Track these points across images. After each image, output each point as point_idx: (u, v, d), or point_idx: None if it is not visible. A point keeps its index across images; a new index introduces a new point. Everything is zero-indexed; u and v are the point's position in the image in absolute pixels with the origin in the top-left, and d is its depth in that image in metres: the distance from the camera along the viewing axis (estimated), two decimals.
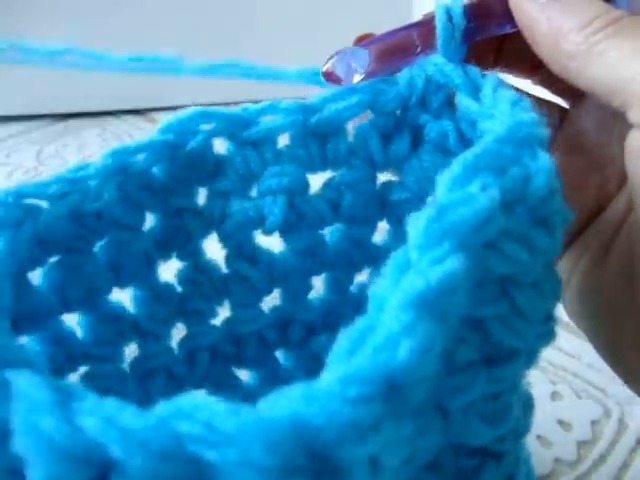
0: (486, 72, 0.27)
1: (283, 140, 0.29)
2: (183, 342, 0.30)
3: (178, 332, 0.30)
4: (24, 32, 0.72)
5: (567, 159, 0.30)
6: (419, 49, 0.27)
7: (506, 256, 0.21)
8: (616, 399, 0.41)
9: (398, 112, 0.29)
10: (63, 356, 0.26)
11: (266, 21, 0.78)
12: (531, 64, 0.31)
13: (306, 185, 0.29)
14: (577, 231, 0.30)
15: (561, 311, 0.46)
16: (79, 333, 0.27)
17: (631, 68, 0.23)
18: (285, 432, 0.14)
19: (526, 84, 0.32)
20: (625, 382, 0.29)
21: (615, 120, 0.29)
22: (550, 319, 0.24)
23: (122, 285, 0.28)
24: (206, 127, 0.28)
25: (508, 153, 0.22)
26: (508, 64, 0.31)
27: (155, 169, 0.27)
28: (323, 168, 0.29)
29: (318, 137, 0.28)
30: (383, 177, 0.31)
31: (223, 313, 0.31)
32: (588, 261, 0.29)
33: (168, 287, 0.29)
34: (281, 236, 0.30)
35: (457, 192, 0.20)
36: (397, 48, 0.27)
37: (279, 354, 0.32)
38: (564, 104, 0.32)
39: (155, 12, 0.75)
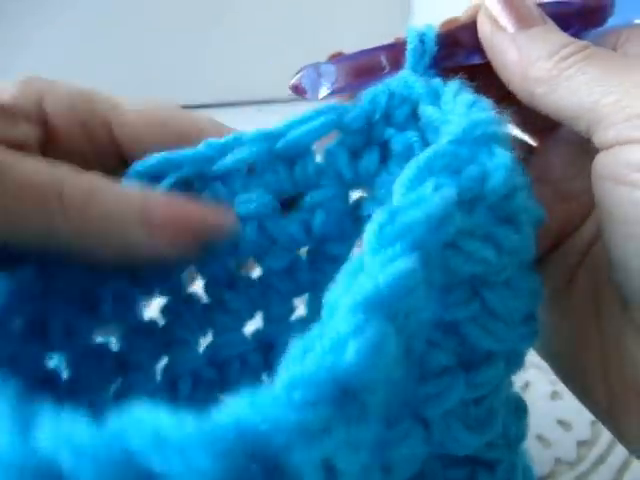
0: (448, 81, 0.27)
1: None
2: (165, 371, 0.30)
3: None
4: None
5: (534, 189, 0.31)
6: (387, 70, 0.28)
7: (469, 255, 0.21)
8: None
9: (365, 129, 0.29)
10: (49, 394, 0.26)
11: (265, 21, 0.78)
12: (499, 100, 0.31)
13: (276, 209, 0.29)
14: (539, 259, 0.30)
15: None
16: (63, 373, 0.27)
17: (595, 93, 0.24)
18: (230, 439, 0.14)
19: None
20: (588, 409, 0.28)
21: (581, 155, 0.30)
22: (531, 319, 0.24)
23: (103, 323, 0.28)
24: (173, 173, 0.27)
25: (464, 153, 0.22)
26: None
27: None
28: (293, 190, 0.29)
29: (285, 161, 0.29)
30: (355, 195, 0.31)
31: (206, 340, 0.31)
32: (551, 290, 0.29)
33: (151, 322, 0.29)
34: (255, 261, 0.30)
35: (409, 194, 0.20)
36: (365, 67, 0.28)
37: (265, 378, 0.32)
38: (531, 141, 0.33)
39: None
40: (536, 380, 0.43)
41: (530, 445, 0.38)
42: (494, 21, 0.28)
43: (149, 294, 0.28)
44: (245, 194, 0.28)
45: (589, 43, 0.26)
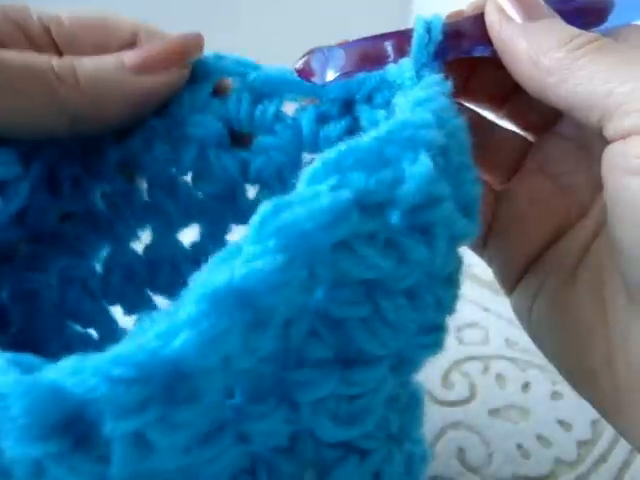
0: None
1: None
2: (104, 261, 0.33)
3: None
4: None
5: (534, 184, 0.31)
6: (392, 58, 0.28)
7: (361, 260, 0.20)
8: None
9: (342, 101, 0.29)
10: None
11: (264, 20, 0.78)
12: (498, 96, 0.32)
13: (225, 139, 0.30)
14: (537, 254, 0.31)
15: None
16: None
17: (610, 81, 0.24)
18: (43, 397, 0.16)
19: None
20: (593, 405, 0.28)
21: (580, 150, 0.30)
22: (435, 330, 0.24)
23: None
24: None
25: (385, 153, 0.21)
26: (475, 96, 0.32)
27: None
28: (248, 127, 0.30)
29: (252, 95, 0.29)
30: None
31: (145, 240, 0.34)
32: (554, 284, 0.29)
33: (97, 211, 0.32)
34: (192, 180, 0.31)
35: (303, 189, 0.20)
36: (372, 54, 0.28)
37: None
38: (529, 137, 0.32)
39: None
40: (536, 380, 0.42)
41: (530, 445, 0.38)
42: (502, 12, 0.27)
43: (98, 181, 0.31)
44: (198, 116, 0.30)
45: (599, 35, 0.26)
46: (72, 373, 0.16)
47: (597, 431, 0.40)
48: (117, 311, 0.34)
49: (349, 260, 0.20)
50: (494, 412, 0.41)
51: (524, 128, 0.33)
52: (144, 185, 0.32)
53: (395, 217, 0.21)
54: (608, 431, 0.39)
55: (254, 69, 0.29)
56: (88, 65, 0.27)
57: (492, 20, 0.28)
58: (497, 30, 0.27)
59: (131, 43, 0.30)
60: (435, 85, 0.25)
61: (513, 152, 0.32)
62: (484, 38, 0.28)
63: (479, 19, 0.28)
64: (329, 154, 0.21)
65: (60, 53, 0.29)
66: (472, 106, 0.32)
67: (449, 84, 0.26)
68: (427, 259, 0.22)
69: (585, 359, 0.28)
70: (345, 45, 0.29)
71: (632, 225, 0.23)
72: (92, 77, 0.27)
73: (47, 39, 0.29)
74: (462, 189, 0.23)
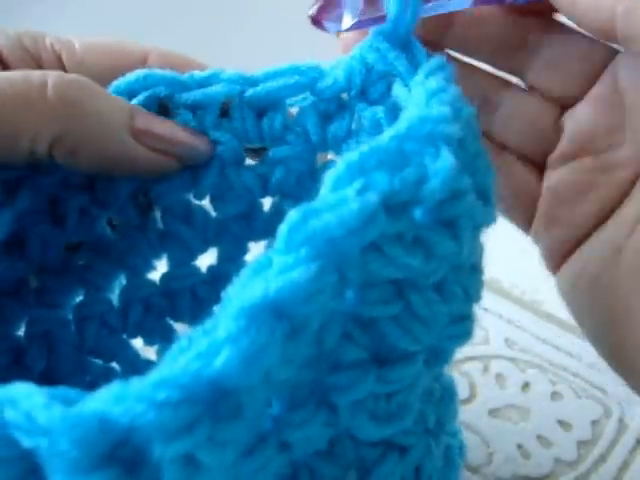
0: (433, 54, 0.26)
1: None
2: (120, 295, 0.32)
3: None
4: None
5: (576, 161, 0.29)
6: None
7: (391, 260, 0.20)
8: (616, 399, 0.41)
9: (337, 99, 0.29)
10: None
11: (261, 18, 0.77)
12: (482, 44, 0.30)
13: (240, 156, 0.30)
14: (583, 236, 0.30)
15: (559, 311, 0.46)
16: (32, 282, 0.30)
17: None
18: (90, 428, 0.16)
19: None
20: (628, 383, 0.28)
21: (617, 118, 0.28)
22: (463, 319, 0.24)
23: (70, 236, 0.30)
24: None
25: (406, 150, 0.21)
26: (457, 41, 0.30)
27: None
28: (259, 142, 0.30)
29: (254, 110, 0.29)
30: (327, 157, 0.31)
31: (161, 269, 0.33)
32: (599, 262, 0.29)
33: (109, 242, 0.31)
34: (211, 202, 0.31)
35: (330, 195, 0.20)
36: None
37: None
38: (517, 80, 0.30)
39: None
40: (536, 380, 0.43)
41: (530, 445, 0.38)
42: None
43: (106, 210, 0.30)
44: (215, 133, 0.29)
45: None
46: (116, 401, 0.16)
47: (597, 431, 0.39)
48: (137, 342, 0.34)
49: (379, 261, 0.20)
50: (494, 412, 0.41)
51: (552, 98, 0.30)
52: (158, 214, 0.31)
53: (420, 214, 0.21)
54: (608, 431, 0.39)
55: (251, 83, 0.29)
56: (99, 98, 0.26)
57: None
58: None
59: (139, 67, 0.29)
60: (439, 70, 0.24)
61: (545, 129, 0.30)
62: None
63: None
64: (351, 157, 0.20)
65: None
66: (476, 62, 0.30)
67: (451, 67, 0.25)
68: (454, 252, 0.22)
69: (621, 341, 0.27)
70: None
71: None
72: (94, 107, 0.26)
73: (57, 65, 0.28)
74: (478, 177, 0.23)
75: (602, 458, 0.38)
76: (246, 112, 0.29)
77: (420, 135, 0.21)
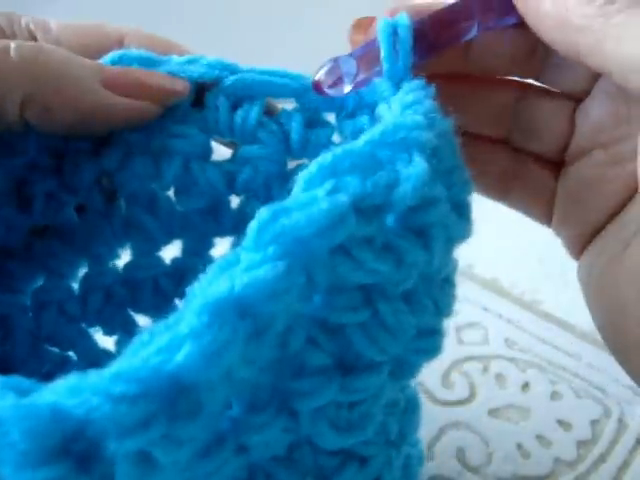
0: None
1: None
2: (82, 281, 0.32)
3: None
4: None
5: (585, 156, 0.29)
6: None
7: (360, 264, 0.20)
8: (616, 399, 0.41)
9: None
10: None
11: (253, 17, 0.77)
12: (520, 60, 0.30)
13: (207, 151, 0.29)
14: (598, 227, 0.29)
15: (559, 311, 0.46)
16: None
17: None
18: (42, 420, 0.16)
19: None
20: (630, 377, 0.28)
21: (625, 111, 0.28)
22: (431, 334, 0.24)
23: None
24: None
25: (379, 155, 0.21)
26: (476, 64, 0.30)
27: None
28: (229, 136, 0.29)
29: (230, 99, 0.28)
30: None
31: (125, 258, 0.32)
32: (607, 257, 0.28)
33: (72, 227, 0.31)
34: (175, 194, 0.30)
35: (301, 194, 0.19)
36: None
37: (178, 303, 0.33)
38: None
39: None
40: (536, 380, 0.43)
41: (530, 445, 0.38)
42: None
43: (74, 195, 0.30)
44: (180, 127, 0.29)
45: None
46: (71, 393, 0.16)
47: (597, 431, 0.40)
48: (95, 331, 0.33)
49: (347, 265, 0.20)
50: (494, 412, 0.41)
51: (565, 96, 0.30)
52: (123, 202, 0.31)
53: (391, 220, 0.21)
54: (608, 431, 0.40)
55: (231, 72, 0.28)
56: (60, 54, 0.26)
57: None
58: None
59: (113, 46, 0.29)
60: (419, 89, 0.25)
61: (561, 126, 0.30)
62: (507, 8, 0.25)
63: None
64: (324, 158, 0.20)
65: None
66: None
67: (432, 87, 0.25)
68: (424, 261, 0.22)
69: (623, 336, 0.27)
70: (356, 52, 0.27)
71: None
72: (59, 64, 0.26)
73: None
74: (454, 190, 0.23)
75: (602, 458, 0.39)
76: (221, 101, 0.28)
77: (393, 141, 0.21)
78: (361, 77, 0.26)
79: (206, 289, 0.18)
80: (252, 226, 0.19)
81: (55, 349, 0.32)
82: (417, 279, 0.22)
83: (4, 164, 0.28)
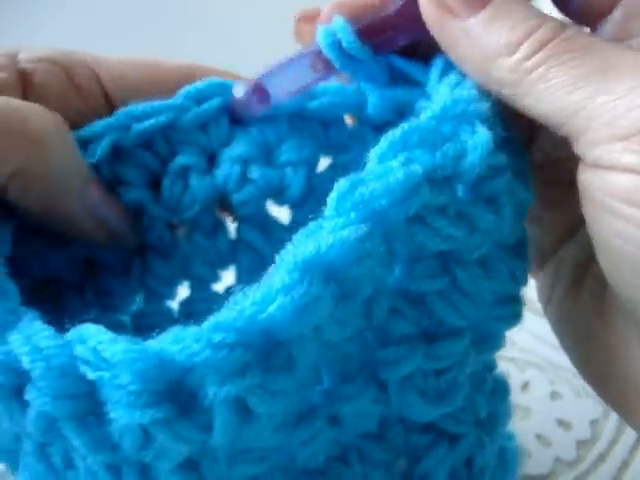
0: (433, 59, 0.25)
1: None
2: (183, 305, 0.31)
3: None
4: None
5: (545, 175, 0.27)
6: (320, 75, 0.26)
7: (436, 232, 0.21)
8: None
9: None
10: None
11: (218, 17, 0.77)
12: None
13: (317, 162, 0.29)
14: (554, 247, 0.28)
15: None
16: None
17: (573, 101, 0.20)
18: (150, 363, 0.17)
19: None
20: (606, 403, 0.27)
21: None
22: (509, 301, 0.23)
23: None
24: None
25: (444, 129, 0.21)
26: None
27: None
28: (329, 152, 0.29)
29: (316, 121, 0.29)
30: None
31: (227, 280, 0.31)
32: (565, 283, 0.27)
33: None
34: (291, 208, 0.30)
35: (377, 166, 0.20)
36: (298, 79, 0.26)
37: None
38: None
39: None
40: (536, 380, 0.42)
41: (530, 444, 0.38)
42: (439, 3, 0.22)
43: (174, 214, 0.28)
44: (295, 139, 0.28)
45: (564, 23, 0.22)
46: (175, 341, 0.17)
47: (596, 431, 0.39)
48: None
49: (424, 233, 0.21)
50: None
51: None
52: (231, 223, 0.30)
53: (462, 191, 0.21)
54: (608, 431, 0.39)
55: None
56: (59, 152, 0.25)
57: (428, 18, 0.23)
58: (436, 30, 0.23)
59: (181, 81, 0.28)
60: (450, 70, 0.24)
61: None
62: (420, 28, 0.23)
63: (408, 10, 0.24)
64: (393, 134, 0.21)
65: (106, 94, 0.27)
66: None
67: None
68: (496, 227, 0.22)
69: (586, 360, 0.26)
70: (267, 75, 0.26)
71: (623, 277, 0.21)
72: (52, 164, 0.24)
73: (94, 81, 0.27)
74: (514, 158, 0.23)
75: (601, 457, 0.37)
76: (312, 123, 0.28)
77: (455, 114, 0.21)
78: (279, 99, 0.26)
79: (296, 250, 0.18)
80: (332, 196, 0.20)
81: None
82: (490, 246, 0.22)
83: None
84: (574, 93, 0.20)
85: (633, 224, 0.20)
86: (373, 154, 0.21)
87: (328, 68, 0.26)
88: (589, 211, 0.21)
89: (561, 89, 0.21)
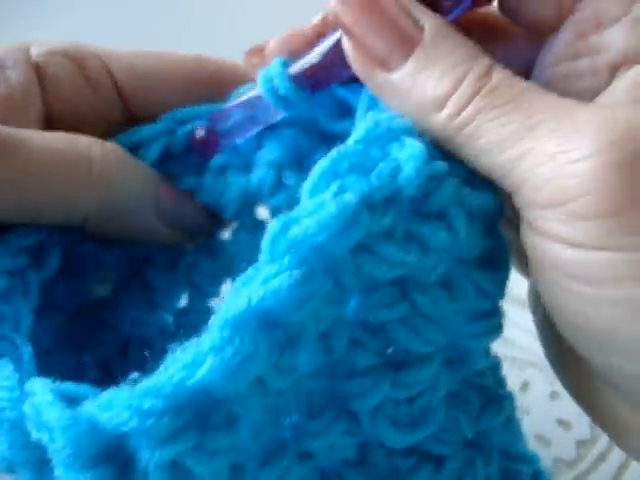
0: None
1: None
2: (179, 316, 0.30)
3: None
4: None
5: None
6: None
7: (384, 259, 0.20)
8: None
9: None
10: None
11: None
12: None
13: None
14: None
15: None
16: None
17: (503, 159, 0.20)
18: (81, 430, 0.17)
19: None
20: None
21: None
22: (483, 317, 0.22)
23: None
24: None
25: (373, 152, 0.20)
26: None
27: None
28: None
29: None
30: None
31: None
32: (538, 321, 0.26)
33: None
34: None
35: (308, 202, 0.19)
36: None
37: None
38: None
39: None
40: (536, 380, 0.42)
41: (530, 445, 0.38)
42: (362, 52, 0.21)
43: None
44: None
45: (491, 64, 0.20)
46: (106, 407, 0.17)
47: (596, 431, 0.38)
48: None
49: (371, 262, 0.20)
50: None
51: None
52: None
53: (406, 206, 0.20)
54: None
55: None
56: (130, 171, 0.25)
57: (354, 65, 0.22)
58: (364, 80, 0.22)
59: (190, 72, 0.28)
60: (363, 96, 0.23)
61: None
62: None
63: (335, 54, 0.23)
64: (322, 164, 0.20)
65: (117, 85, 0.27)
66: None
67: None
68: (452, 243, 0.20)
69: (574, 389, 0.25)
70: (218, 120, 0.26)
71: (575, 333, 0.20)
72: (122, 185, 0.25)
73: (105, 72, 0.27)
74: (457, 165, 0.22)
75: (601, 457, 0.37)
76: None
77: (380, 134, 0.20)
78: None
79: (227, 305, 0.18)
80: (265, 239, 0.19)
81: None
82: (450, 263, 0.21)
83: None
84: (505, 152, 0.20)
85: (571, 292, 0.20)
86: (305, 188, 0.20)
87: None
88: (533, 267, 0.21)
89: (493, 148, 0.20)
